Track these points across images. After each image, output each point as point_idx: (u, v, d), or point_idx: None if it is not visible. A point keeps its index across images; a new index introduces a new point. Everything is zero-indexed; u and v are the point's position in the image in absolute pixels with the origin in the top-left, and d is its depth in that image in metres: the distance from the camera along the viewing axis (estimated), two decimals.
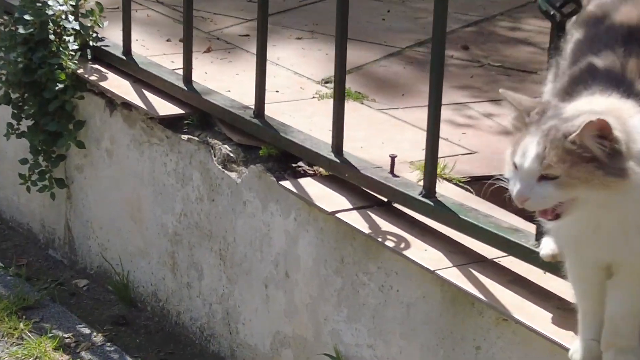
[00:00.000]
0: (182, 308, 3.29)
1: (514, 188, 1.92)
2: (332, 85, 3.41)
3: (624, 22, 2.09)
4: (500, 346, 2.24)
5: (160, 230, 3.32)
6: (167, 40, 3.86)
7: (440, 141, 2.59)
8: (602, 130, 1.85)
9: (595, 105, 1.96)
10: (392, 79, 3.67)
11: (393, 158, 2.68)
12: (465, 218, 2.43)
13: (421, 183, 2.62)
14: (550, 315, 2.16)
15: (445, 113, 3.06)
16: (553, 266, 2.21)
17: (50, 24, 3.40)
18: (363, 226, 2.60)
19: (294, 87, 3.41)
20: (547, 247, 2.21)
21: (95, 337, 3.27)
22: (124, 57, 3.46)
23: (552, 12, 2.16)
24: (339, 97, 2.73)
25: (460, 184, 2.74)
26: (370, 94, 3.44)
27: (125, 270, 3.48)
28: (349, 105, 2.93)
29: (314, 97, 3.39)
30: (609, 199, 1.92)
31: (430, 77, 2.46)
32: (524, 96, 2.05)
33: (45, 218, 3.84)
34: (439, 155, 2.64)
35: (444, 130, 2.77)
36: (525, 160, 1.91)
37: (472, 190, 2.70)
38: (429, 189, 2.50)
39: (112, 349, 3.21)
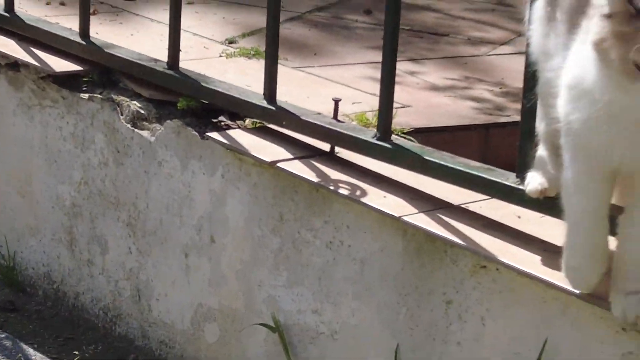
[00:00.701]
0: (81, 288, 3.06)
1: None
2: (237, 45, 3.38)
3: None
4: (476, 298, 2.06)
5: (55, 203, 3.09)
6: (47, 4, 3.74)
7: (370, 96, 2.56)
8: None
9: None
10: (300, 40, 3.63)
11: (337, 102, 2.55)
12: (431, 159, 2.25)
13: (370, 129, 2.49)
14: (539, 257, 2.00)
15: (368, 71, 3.04)
16: (541, 204, 2.04)
17: None
18: (309, 175, 2.43)
19: (197, 47, 3.32)
20: (534, 181, 2.06)
21: None
22: (6, 14, 3.22)
23: None
24: (273, 41, 2.59)
25: (403, 135, 2.63)
26: (281, 54, 3.26)
27: (11, 251, 3.24)
28: (261, 63, 2.79)
29: (221, 56, 3.33)
30: None
31: (385, 15, 2.33)
32: None
33: None
34: (371, 109, 2.54)
35: (372, 86, 2.71)
36: None
37: (415, 140, 2.58)
38: (385, 132, 2.33)
39: (2, 335, 3.00)
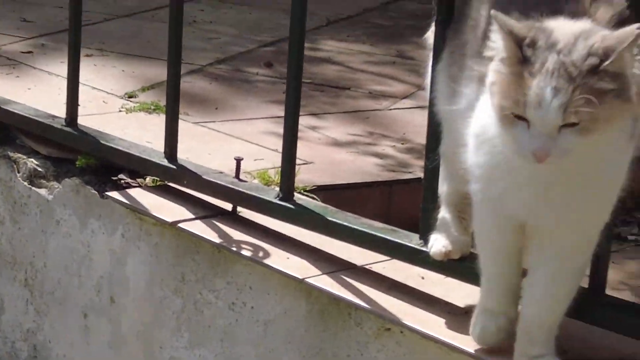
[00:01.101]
0: None
1: (530, 145, 1.66)
2: (137, 99, 3.31)
3: None
4: None
5: None
6: None
7: (272, 153, 2.52)
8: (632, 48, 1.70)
9: (577, 27, 1.74)
10: (201, 94, 3.55)
11: (239, 161, 2.50)
12: (334, 220, 2.21)
13: (271, 188, 2.44)
14: (443, 319, 1.97)
15: (270, 126, 2.99)
16: (444, 266, 2.01)
17: None
18: (211, 236, 2.37)
19: (96, 102, 3.23)
20: (438, 244, 2.02)
21: None
22: None
23: None
24: (173, 99, 2.54)
25: (306, 193, 2.58)
26: (181, 109, 3.19)
27: None
28: (162, 118, 2.74)
29: (120, 111, 3.24)
30: (615, 139, 1.75)
31: (287, 74, 2.27)
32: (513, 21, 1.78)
33: None
34: (273, 166, 2.49)
35: (274, 142, 2.69)
36: (542, 112, 1.65)
37: (318, 199, 2.54)
38: (287, 192, 2.28)
39: None
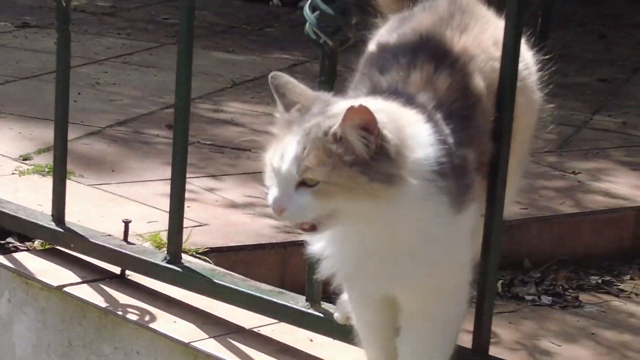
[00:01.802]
0: None
1: (271, 196, 1.71)
2: (32, 162, 3.25)
3: (415, 29, 1.96)
4: None
5: None
6: None
7: (166, 215, 2.49)
8: (366, 122, 1.69)
9: (372, 104, 1.77)
10: (98, 156, 3.51)
11: (127, 223, 2.45)
12: (221, 283, 2.17)
13: (161, 251, 2.39)
14: None
15: (165, 188, 2.93)
16: (331, 329, 1.99)
17: None
18: (97, 300, 2.32)
19: None
20: (341, 308, 2.00)
21: None
22: None
23: (321, 41, 2.00)
24: (61, 161, 2.48)
25: (198, 255, 2.54)
26: (77, 171, 3.24)
27: None
28: None
29: (13, 174, 3.19)
30: (374, 212, 1.75)
31: (173, 136, 2.26)
32: (300, 85, 1.83)
33: None
34: (165, 228, 2.41)
35: (167, 204, 2.57)
36: (283, 163, 1.70)
37: (210, 261, 2.50)
38: (175, 254, 2.24)
39: None
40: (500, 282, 3.19)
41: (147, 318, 2.30)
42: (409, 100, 1.86)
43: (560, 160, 4.18)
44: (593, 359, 2.88)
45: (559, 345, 2.87)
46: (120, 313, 2.31)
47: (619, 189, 3.88)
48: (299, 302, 2.00)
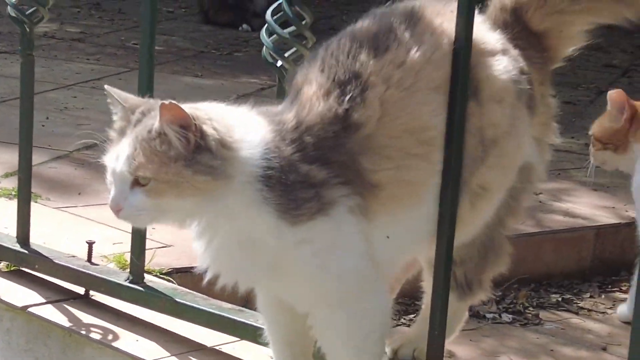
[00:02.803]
0: None
1: (110, 198, 1.77)
2: None
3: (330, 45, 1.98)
4: None
5: None
6: None
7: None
8: (179, 118, 1.76)
9: (199, 105, 1.88)
10: (65, 180, 3.51)
11: (90, 244, 2.45)
12: (183, 301, 2.20)
13: (124, 271, 2.41)
14: None
15: None
16: None
17: None
18: (61, 320, 2.35)
19: None
20: None
21: None
22: None
23: (278, 64, 2.08)
24: (25, 184, 2.52)
25: (161, 275, 2.55)
26: (43, 194, 3.26)
27: None
28: None
29: None
30: (202, 207, 1.82)
31: None
32: (130, 95, 1.92)
33: None
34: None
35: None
36: (117, 164, 1.76)
37: (174, 281, 2.51)
38: (137, 274, 2.26)
39: None
40: None
41: (110, 337, 2.30)
42: (271, 112, 1.93)
43: None
44: None
45: None
46: (83, 332, 2.32)
47: (579, 208, 3.92)
48: (258, 320, 2.01)
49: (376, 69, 1.95)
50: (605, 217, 3.86)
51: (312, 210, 1.88)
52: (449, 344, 2.47)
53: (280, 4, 2.12)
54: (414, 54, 1.97)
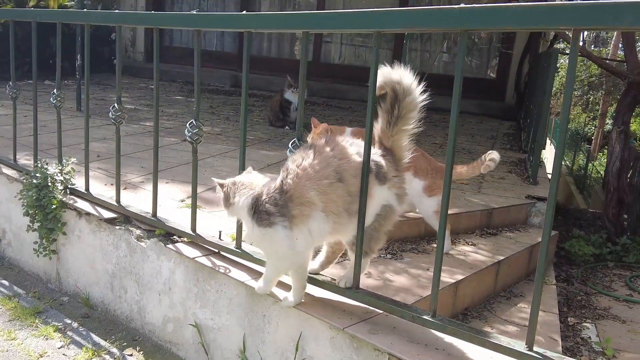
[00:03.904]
0: (115, 307, 3.56)
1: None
2: (184, 202, 3.86)
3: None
4: None
5: (103, 274, 3.61)
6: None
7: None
8: (218, 184, 2.31)
9: (240, 177, 2.35)
10: (211, 198, 4.06)
11: (220, 232, 3.02)
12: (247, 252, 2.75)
13: (234, 242, 2.85)
14: None
15: None
16: None
17: (49, 178, 3.86)
18: (207, 263, 2.94)
19: None
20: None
21: (73, 324, 3.50)
22: (86, 192, 3.86)
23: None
24: (194, 200, 3.16)
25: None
26: (203, 205, 3.83)
27: (87, 292, 3.78)
28: None
29: (178, 208, 3.69)
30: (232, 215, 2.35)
31: None
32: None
33: (46, 269, 4.10)
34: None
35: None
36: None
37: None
38: (239, 243, 2.81)
39: (82, 329, 3.45)
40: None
41: (227, 271, 2.86)
42: (268, 180, 2.30)
43: None
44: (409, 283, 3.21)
45: (392, 275, 3.27)
46: (216, 268, 2.89)
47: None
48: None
49: (294, 167, 2.28)
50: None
51: (267, 224, 2.26)
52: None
53: (294, 140, 2.54)
54: (312, 162, 2.24)
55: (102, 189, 4.04)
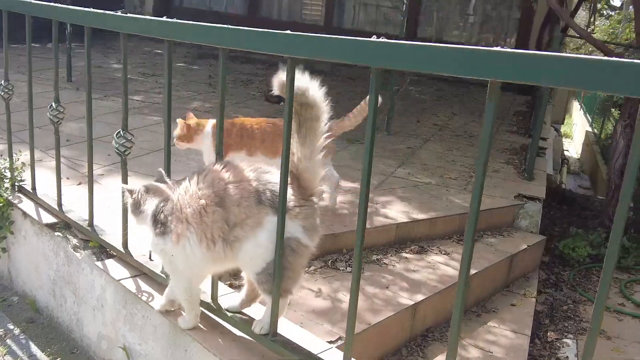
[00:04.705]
0: (57, 315, 3.51)
1: None
2: None
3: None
4: None
5: (46, 279, 3.53)
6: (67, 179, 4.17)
7: None
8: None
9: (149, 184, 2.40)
10: None
11: None
12: None
13: None
14: None
15: None
16: None
17: None
18: (132, 286, 2.88)
19: None
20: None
21: (15, 330, 3.45)
22: (31, 191, 3.79)
23: None
24: None
25: None
26: None
27: (33, 295, 3.71)
28: None
29: None
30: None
31: None
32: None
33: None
34: None
35: None
36: None
37: None
38: None
39: (23, 337, 3.38)
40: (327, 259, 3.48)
41: (149, 298, 2.80)
42: (166, 199, 2.33)
43: (372, 196, 4.61)
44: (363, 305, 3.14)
45: (344, 295, 3.21)
46: (139, 295, 2.80)
47: (390, 213, 4.34)
48: None
49: (187, 182, 2.32)
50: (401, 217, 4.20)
51: (159, 233, 2.34)
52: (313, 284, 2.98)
53: None
54: (202, 177, 2.29)
55: (61, 184, 3.78)
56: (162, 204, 2.26)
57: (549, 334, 4.12)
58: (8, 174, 3.75)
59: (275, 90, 2.10)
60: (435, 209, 4.36)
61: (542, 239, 4.80)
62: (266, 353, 2.36)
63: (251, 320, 2.47)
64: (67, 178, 4.16)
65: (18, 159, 3.85)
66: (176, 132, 3.78)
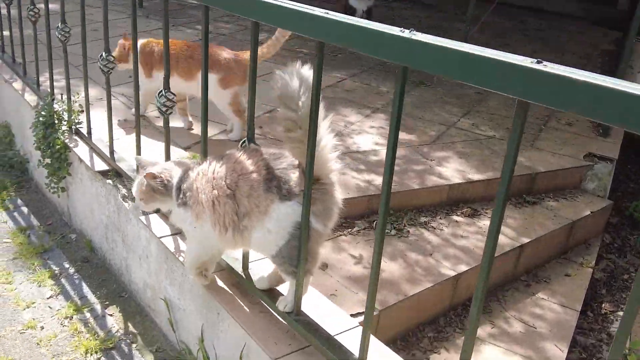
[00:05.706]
0: (110, 257, 3.61)
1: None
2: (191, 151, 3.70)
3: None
4: None
5: (99, 222, 3.59)
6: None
7: None
8: (148, 176, 2.40)
9: (161, 165, 2.50)
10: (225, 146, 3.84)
11: None
12: None
13: None
14: None
15: None
16: None
17: (55, 115, 3.79)
18: (171, 245, 2.88)
19: None
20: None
21: (70, 269, 3.53)
22: (87, 135, 3.77)
23: None
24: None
25: None
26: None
27: (89, 235, 3.82)
28: None
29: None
30: (164, 206, 2.52)
31: None
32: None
33: (59, 204, 4.17)
34: None
35: None
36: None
37: None
38: None
39: (77, 277, 3.48)
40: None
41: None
42: (187, 170, 2.41)
43: (429, 151, 4.35)
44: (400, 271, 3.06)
45: (385, 262, 3.07)
46: (176, 255, 2.84)
47: (444, 172, 4.06)
48: None
49: (206, 164, 2.37)
50: (457, 178, 3.97)
51: (181, 203, 2.41)
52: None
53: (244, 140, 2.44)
54: (220, 164, 2.31)
55: (116, 128, 3.90)
56: (185, 175, 2.35)
57: (603, 305, 3.85)
58: (65, 116, 3.75)
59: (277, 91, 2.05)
60: (494, 168, 4.09)
61: (608, 204, 4.39)
62: (290, 329, 2.36)
63: (278, 295, 2.46)
64: (125, 120, 4.14)
65: (76, 101, 3.84)
66: (115, 53, 3.82)
